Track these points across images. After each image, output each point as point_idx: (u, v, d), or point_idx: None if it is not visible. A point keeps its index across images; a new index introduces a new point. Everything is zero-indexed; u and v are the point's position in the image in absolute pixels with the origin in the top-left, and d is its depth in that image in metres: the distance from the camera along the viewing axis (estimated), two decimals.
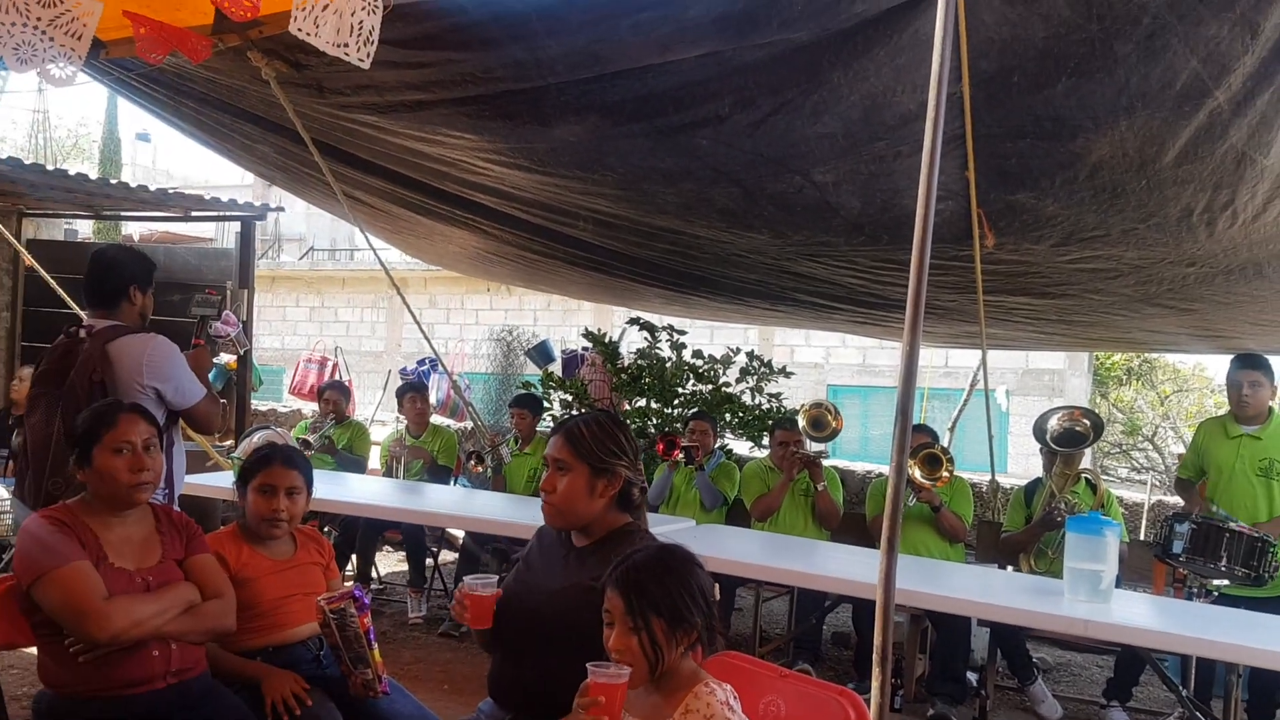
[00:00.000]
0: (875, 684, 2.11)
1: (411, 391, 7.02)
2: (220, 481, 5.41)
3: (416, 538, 6.21)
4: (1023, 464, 13.23)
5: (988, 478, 6.61)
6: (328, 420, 6.95)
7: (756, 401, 7.38)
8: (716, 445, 6.37)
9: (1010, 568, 5.31)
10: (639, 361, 7.60)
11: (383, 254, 6.87)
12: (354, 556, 6.34)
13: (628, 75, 3.00)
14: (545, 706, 2.13)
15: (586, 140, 3.45)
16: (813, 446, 5.85)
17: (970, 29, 2.64)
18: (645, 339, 7.66)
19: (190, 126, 4.74)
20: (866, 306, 5.42)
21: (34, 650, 2.63)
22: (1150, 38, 2.58)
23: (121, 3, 3.18)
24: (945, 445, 5.65)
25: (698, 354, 7.55)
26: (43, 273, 7.46)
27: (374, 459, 7.50)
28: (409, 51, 3.08)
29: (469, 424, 9.11)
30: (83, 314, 3.84)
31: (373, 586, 6.47)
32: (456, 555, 6.44)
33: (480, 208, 4.74)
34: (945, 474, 5.19)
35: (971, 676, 4.99)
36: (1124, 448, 15.56)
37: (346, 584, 3.03)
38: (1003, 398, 14.41)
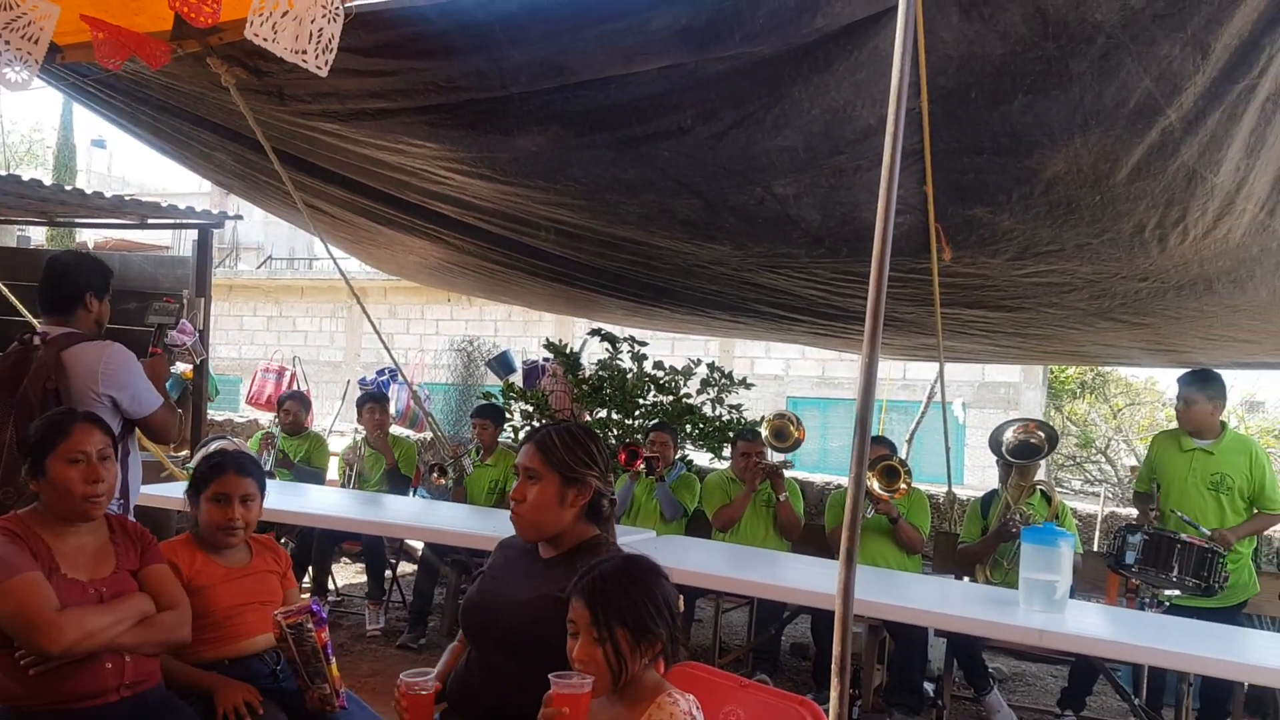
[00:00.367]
0: (834, 694, 2.12)
1: (371, 402, 6.97)
2: (175, 492, 5.34)
3: (375, 549, 6.16)
4: (979, 475, 13.38)
5: (945, 489, 6.67)
6: (276, 441, 6.84)
7: (717, 413, 7.40)
8: (677, 457, 6.38)
9: (967, 578, 5.36)
10: (600, 372, 7.60)
11: (342, 263, 6.82)
12: (310, 568, 6.28)
13: (590, 86, 3.01)
14: (509, 714, 2.12)
15: (549, 150, 3.45)
16: (775, 457, 5.88)
17: (929, 46, 2.68)
18: (606, 350, 7.66)
19: (147, 133, 4.69)
20: (826, 318, 5.45)
21: None
22: (1104, 57, 2.63)
23: (79, 7, 3.15)
24: (903, 457, 5.71)
25: (659, 365, 7.56)
26: None
27: (332, 470, 7.44)
28: (371, 59, 3.07)
29: (429, 435, 9.07)
30: (36, 322, 3.78)
31: (330, 598, 6.41)
32: (416, 567, 6.39)
33: (441, 218, 4.72)
34: (903, 486, 5.23)
35: (928, 686, 5.03)
36: (1078, 460, 15.76)
37: (304, 598, 3.00)
38: (959, 410, 14.55)
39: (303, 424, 7.16)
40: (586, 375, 7.69)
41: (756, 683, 2.46)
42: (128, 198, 8.16)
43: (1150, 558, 4.48)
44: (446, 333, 17.79)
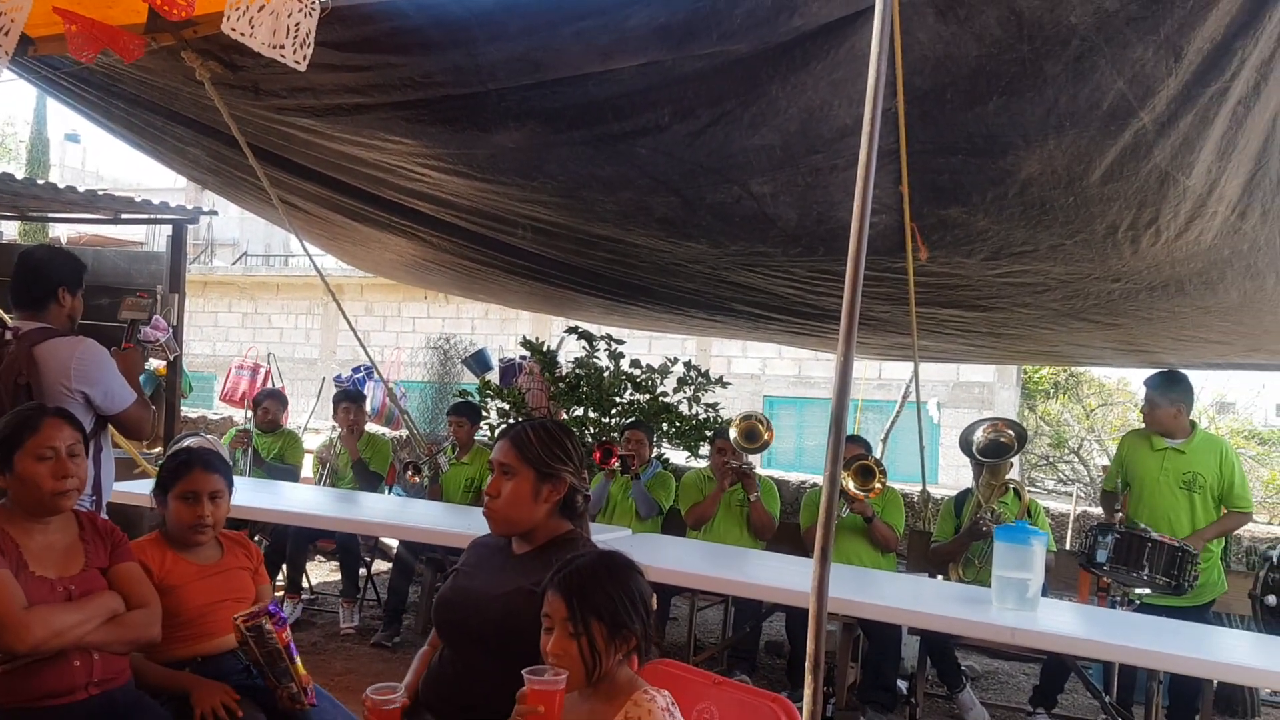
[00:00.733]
0: (808, 692, 2.12)
1: (346, 400, 6.93)
2: (148, 489, 5.29)
3: (350, 547, 6.13)
4: (953, 475, 13.46)
5: (919, 488, 6.70)
6: (251, 439, 6.79)
7: (694, 411, 7.41)
8: (653, 455, 6.39)
9: (940, 577, 5.39)
10: (577, 371, 7.60)
11: (318, 260, 6.78)
12: (284, 566, 6.24)
13: (568, 83, 3.01)
14: (482, 711, 2.12)
15: (526, 147, 3.44)
16: (750, 457, 5.89)
17: (905, 46, 2.69)
18: (583, 348, 7.66)
19: (120, 128, 4.65)
20: (802, 317, 5.47)
21: None
22: (1079, 59, 2.65)
23: None
24: (878, 456, 5.73)
25: (635, 364, 7.56)
26: None
27: (307, 468, 7.40)
28: (347, 54, 3.05)
29: (404, 432, 9.04)
30: (7, 317, 3.75)
31: (304, 596, 6.37)
32: (390, 565, 6.37)
33: (418, 215, 4.71)
34: (878, 485, 5.25)
35: (902, 684, 5.06)
36: (1050, 460, 15.87)
37: (278, 594, 2.99)
38: (934, 410, 14.63)
39: (279, 422, 7.12)
40: (563, 373, 7.69)
41: (731, 680, 2.47)
42: (101, 193, 8.09)
43: (1122, 556, 4.52)
44: (423, 330, 17.76)
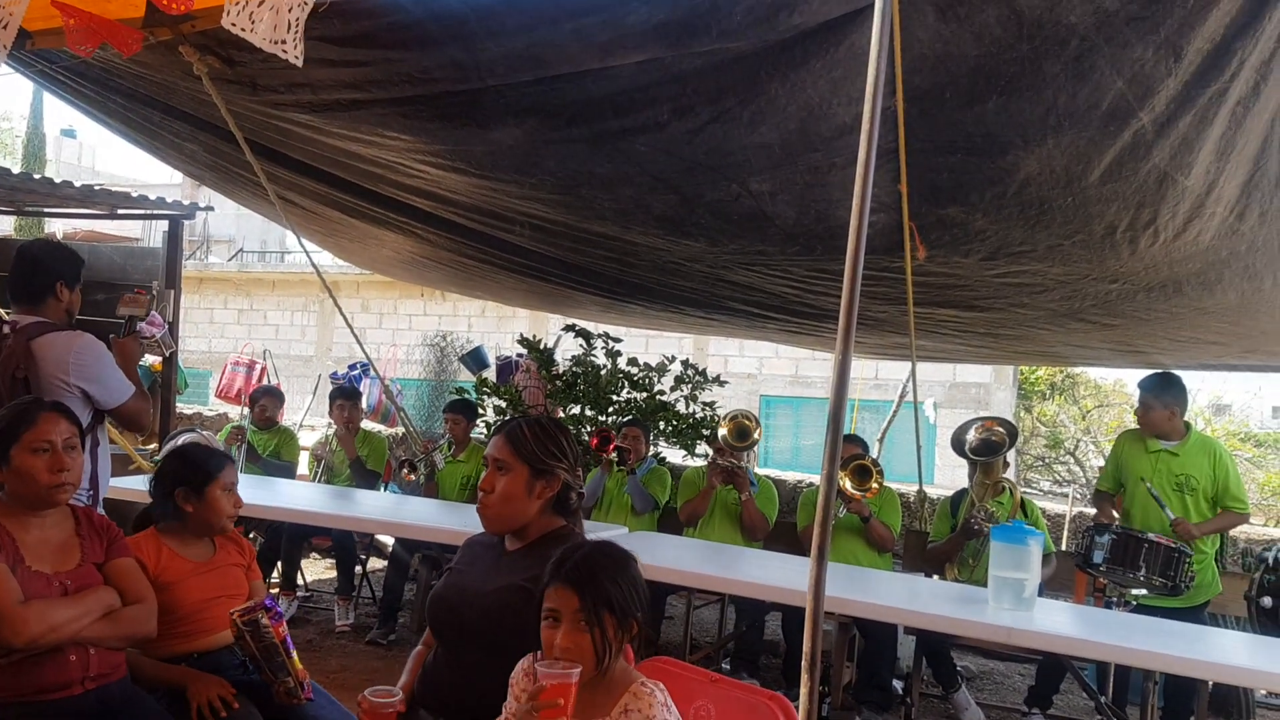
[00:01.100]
0: (804, 691, 2.12)
1: (342, 397, 6.92)
2: (143, 485, 5.29)
3: (346, 544, 6.12)
4: (950, 475, 13.46)
5: (915, 488, 6.70)
6: (245, 435, 6.77)
7: (691, 410, 7.41)
8: (650, 454, 6.38)
9: (936, 576, 5.39)
10: (574, 369, 7.59)
11: (315, 257, 6.76)
12: (279, 563, 6.24)
13: (567, 79, 3.00)
14: (477, 707, 2.12)
15: (524, 144, 3.44)
16: (747, 457, 5.89)
17: (905, 45, 2.68)
18: (581, 346, 7.65)
19: (117, 123, 4.63)
20: (800, 316, 5.47)
21: None
22: (1078, 59, 2.64)
23: None
24: (875, 456, 5.73)
25: (633, 362, 7.56)
26: None
27: (302, 465, 7.39)
28: (345, 50, 3.04)
29: (400, 430, 9.03)
30: (3, 312, 3.75)
31: (299, 594, 6.37)
32: (386, 562, 6.36)
33: (415, 211, 4.70)
34: (875, 485, 5.25)
35: (897, 684, 5.06)
36: (1047, 461, 15.90)
37: (273, 592, 2.99)
38: (930, 410, 14.63)
39: (275, 419, 7.11)
40: (560, 371, 7.68)
41: (727, 678, 2.47)
42: (97, 188, 8.08)
43: (1118, 557, 4.52)
44: (420, 328, 17.73)
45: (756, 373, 16.55)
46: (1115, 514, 5.21)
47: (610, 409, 7.41)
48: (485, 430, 7.52)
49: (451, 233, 4.93)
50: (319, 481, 6.82)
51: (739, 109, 3.03)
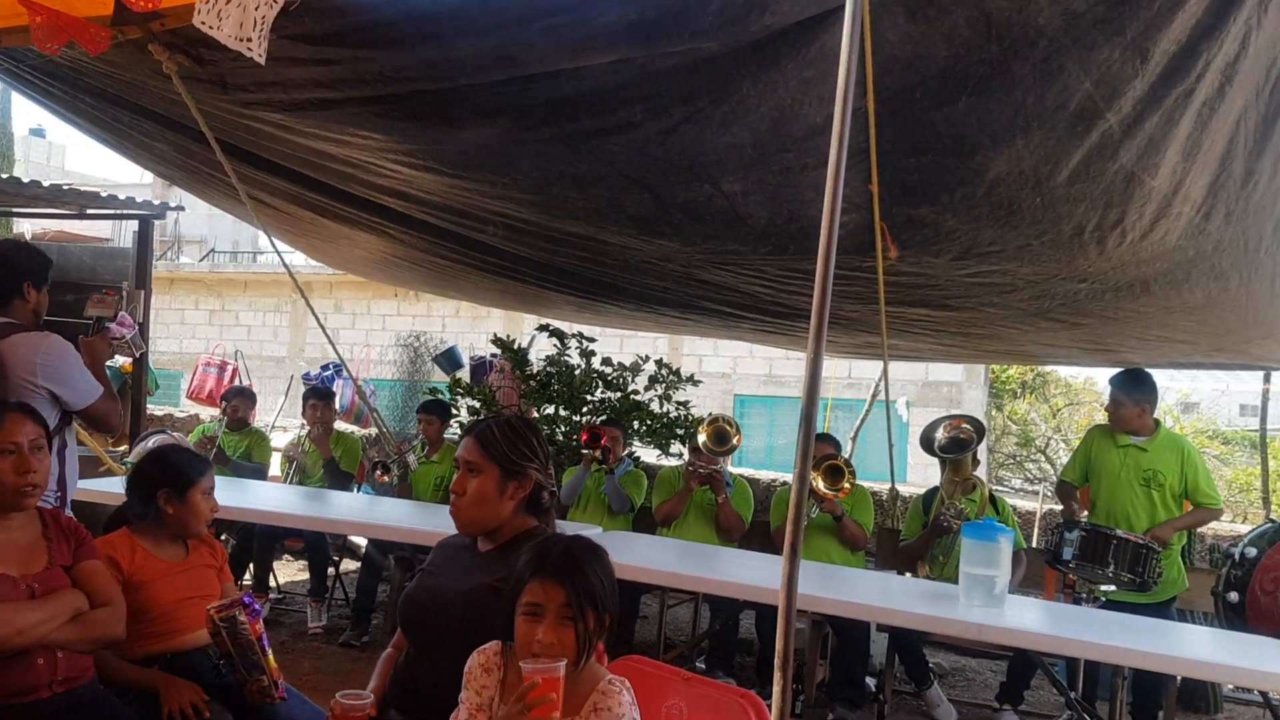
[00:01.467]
0: (776, 689, 2.13)
1: (314, 398, 6.88)
2: (113, 487, 5.24)
3: (319, 546, 6.09)
4: (923, 474, 13.51)
5: (888, 486, 6.74)
6: (217, 440, 6.72)
7: (665, 410, 7.42)
8: (625, 453, 6.39)
9: (909, 574, 5.42)
10: (548, 369, 7.58)
11: (287, 257, 6.74)
12: (251, 565, 6.20)
13: (539, 79, 3.00)
14: (448, 708, 2.11)
15: (497, 143, 3.43)
16: (722, 461, 5.90)
17: (875, 46, 2.70)
18: (555, 346, 7.64)
19: (86, 122, 4.59)
20: (773, 316, 5.48)
21: None
22: (1046, 60, 2.67)
23: None
24: (848, 454, 5.76)
25: (607, 361, 7.56)
26: None
27: (275, 466, 7.34)
28: (317, 48, 3.03)
29: (373, 431, 8.99)
30: None
31: (271, 596, 6.33)
32: (359, 564, 6.34)
33: (388, 211, 4.68)
34: (847, 485, 5.28)
35: (870, 681, 5.08)
36: (1018, 459, 16.02)
37: (237, 590, 2.98)
38: (903, 409, 14.71)
39: (247, 420, 7.06)
40: (534, 371, 7.67)
41: (699, 676, 2.47)
42: (66, 187, 7.99)
43: (1087, 554, 4.57)
44: (393, 328, 17.65)
45: (731, 372, 16.58)
46: (1077, 505, 5.28)
47: (584, 409, 7.41)
48: (460, 430, 7.50)
49: (424, 233, 4.92)
50: (291, 483, 6.78)
51: (711, 109, 3.03)
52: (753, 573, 4.47)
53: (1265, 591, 4.64)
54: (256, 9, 2.60)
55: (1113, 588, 4.61)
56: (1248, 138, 3.07)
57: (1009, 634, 3.85)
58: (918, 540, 5.37)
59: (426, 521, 5.00)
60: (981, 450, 5.53)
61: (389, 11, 2.84)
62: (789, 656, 2.12)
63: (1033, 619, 4.08)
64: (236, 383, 11.47)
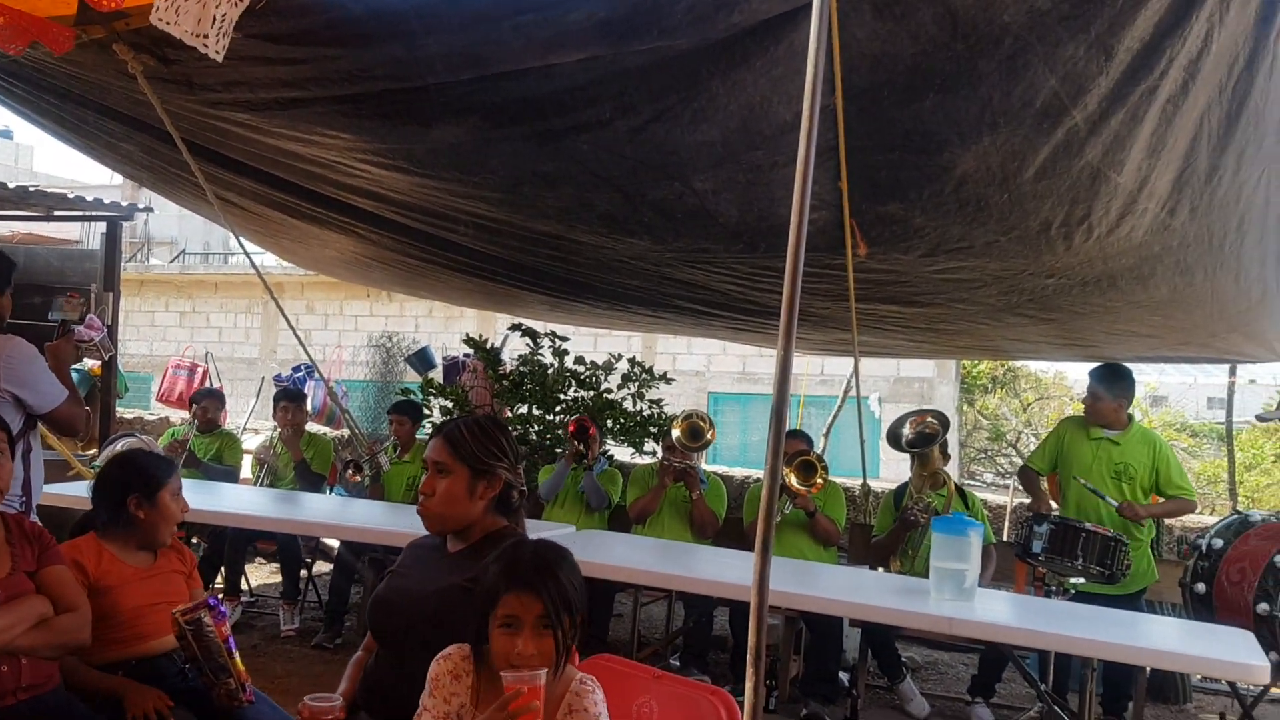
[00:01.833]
0: (749, 685, 2.14)
1: (286, 400, 6.84)
2: (81, 492, 5.18)
3: (291, 548, 6.06)
4: (895, 469, 13.59)
5: (860, 482, 6.78)
6: (188, 444, 6.66)
7: (638, 408, 7.42)
8: (600, 451, 6.39)
9: (881, 569, 5.46)
10: (521, 368, 7.57)
11: (258, 258, 6.70)
12: (223, 568, 6.15)
13: (508, 77, 2.99)
14: (416, 708, 2.10)
15: (467, 142, 3.42)
16: (698, 457, 5.91)
17: (843, 44, 2.71)
18: (527, 345, 7.63)
19: (51, 123, 4.54)
20: (745, 314, 5.49)
21: None
22: (1012, 57, 2.69)
23: None
24: (821, 450, 5.78)
25: (579, 360, 7.55)
26: None
27: (246, 468, 7.30)
28: (283, 47, 3.01)
29: (345, 432, 8.95)
30: None
31: (244, 599, 6.29)
32: (331, 566, 6.30)
33: (358, 211, 4.66)
34: (819, 481, 5.30)
35: (843, 676, 5.11)
36: (989, 453, 16.14)
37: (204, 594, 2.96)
38: (875, 405, 14.78)
39: (217, 422, 7.01)
40: (507, 371, 7.66)
41: (670, 674, 2.48)
42: (33, 189, 7.91)
43: (1056, 547, 4.61)
44: (366, 329, 17.57)
45: (704, 370, 16.61)
46: (1044, 491, 5.33)
47: (558, 408, 7.41)
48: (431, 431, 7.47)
49: (395, 233, 4.90)
50: (262, 485, 6.73)
51: (681, 107, 3.04)
52: (725, 570, 4.48)
53: (1231, 582, 4.69)
54: (218, 6, 2.58)
55: (1082, 580, 4.65)
56: (1211, 134, 3.10)
57: (979, 627, 3.88)
58: (888, 535, 5.40)
59: (399, 523, 4.97)
60: (953, 445, 5.57)
61: (356, 10, 2.83)
62: (761, 653, 2.13)
63: (1003, 612, 4.11)
64: (207, 385, 11.37)
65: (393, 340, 13.66)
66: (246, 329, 20.25)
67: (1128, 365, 5.45)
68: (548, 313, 7.25)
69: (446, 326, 17.46)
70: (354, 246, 5.61)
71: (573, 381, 7.47)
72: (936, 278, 4.19)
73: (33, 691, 2.51)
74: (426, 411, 7.27)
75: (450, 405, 7.62)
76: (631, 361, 7.54)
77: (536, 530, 4.51)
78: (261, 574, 7.21)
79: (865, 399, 7.47)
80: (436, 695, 2.05)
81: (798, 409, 11.38)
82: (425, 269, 5.76)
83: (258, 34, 2.82)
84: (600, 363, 7.50)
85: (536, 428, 7.34)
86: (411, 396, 7.50)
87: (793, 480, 5.24)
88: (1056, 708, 4.39)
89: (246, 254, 6.10)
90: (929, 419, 5.53)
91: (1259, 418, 6.87)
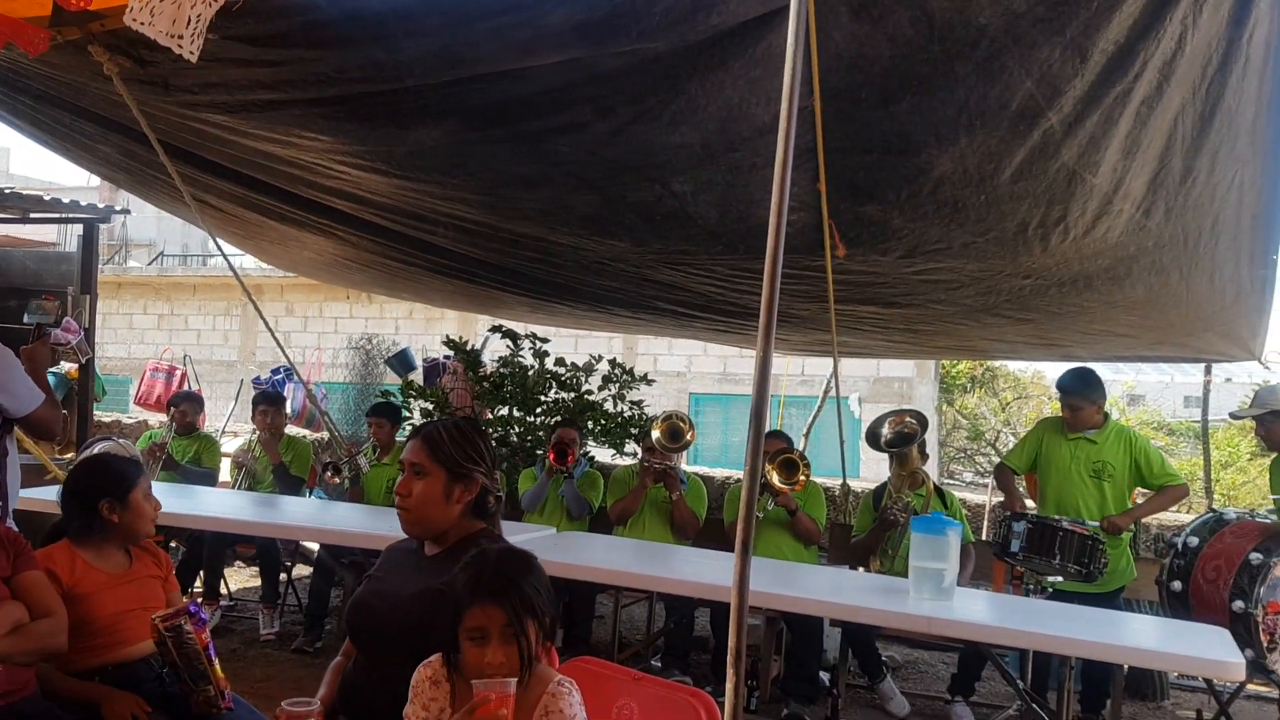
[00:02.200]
0: (730, 685, 2.14)
1: (264, 403, 6.80)
2: (57, 496, 5.14)
3: (270, 551, 6.02)
4: (875, 469, 13.63)
5: (840, 482, 6.79)
6: (166, 447, 6.61)
7: (619, 409, 7.42)
8: (581, 454, 6.38)
9: (861, 569, 5.47)
10: (501, 370, 7.55)
11: (236, 260, 6.66)
12: (202, 572, 6.12)
13: (487, 79, 2.99)
14: (397, 714, 2.10)
15: (446, 144, 3.41)
16: (678, 458, 5.91)
17: (821, 45, 2.72)
18: (508, 347, 7.61)
19: (26, 125, 4.50)
20: (725, 315, 5.51)
21: None
22: (988, 60, 2.70)
23: None
24: (801, 451, 5.80)
25: (560, 362, 7.54)
26: None
27: (225, 471, 7.25)
28: (260, 49, 2.99)
29: (325, 434, 8.91)
30: None
31: (223, 603, 6.25)
32: (311, 569, 6.27)
33: (336, 213, 4.64)
34: (802, 478, 5.32)
35: (824, 676, 5.12)
36: (969, 453, 16.21)
37: (183, 600, 2.94)
38: (855, 405, 14.82)
39: (195, 425, 6.97)
40: (488, 373, 7.64)
41: (650, 676, 2.48)
42: (8, 191, 7.84)
43: (1034, 546, 4.63)
44: (346, 331, 17.48)
45: (685, 370, 16.63)
46: (1018, 491, 5.36)
47: (538, 410, 7.39)
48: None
49: (374, 234, 4.88)
50: (241, 488, 6.70)
51: (659, 109, 3.04)
52: (706, 570, 4.49)
53: (1207, 580, 4.73)
54: (193, 7, 2.56)
55: (1060, 579, 4.68)
56: (1185, 135, 3.13)
57: (958, 626, 3.90)
58: (868, 535, 5.42)
59: (378, 526, 4.96)
60: (932, 444, 5.60)
61: (333, 12, 2.82)
62: (742, 653, 2.13)
63: (981, 611, 4.14)
64: (185, 388, 11.29)
65: (373, 342, 13.60)
66: (225, 331, 20.14)
67: (1094, 364, 5.50)
68: (528, 314, 7.24)
69: (427, 328, 17.41)
70: (333, 248, 5.59)
71: (553, 383, 7.45)
72: (915, 279, 4.21)
73: (9, 698, 2.49)
74: (406, 414, 7.25)
75: (430, 407, 7.60)
76: (612, 363, 7.53)
77: (517, 532, 4.51)
78: (241, 577, 7.17)
79: (845, 399, 7.49)
80: (416, 702, 2.06)
81: (778, 409, 11.40)
82: (405, 271, 5.75)
83: (235, 36, 2.81)
84: (581, 364, 7.50)
85: (517, 429, 7.33)
86: (391, 399, 7.48)
87: (775, 478, 5.25)
88: (1035, 706, 4.42)
89: (225, 256, 6.06)
90: (908, 419, 5.55)
91: (1233, 415, 6.92)
